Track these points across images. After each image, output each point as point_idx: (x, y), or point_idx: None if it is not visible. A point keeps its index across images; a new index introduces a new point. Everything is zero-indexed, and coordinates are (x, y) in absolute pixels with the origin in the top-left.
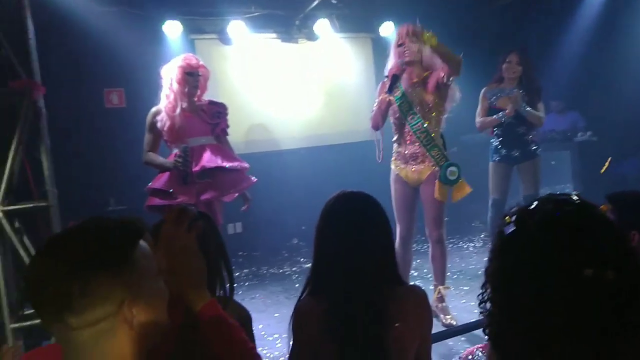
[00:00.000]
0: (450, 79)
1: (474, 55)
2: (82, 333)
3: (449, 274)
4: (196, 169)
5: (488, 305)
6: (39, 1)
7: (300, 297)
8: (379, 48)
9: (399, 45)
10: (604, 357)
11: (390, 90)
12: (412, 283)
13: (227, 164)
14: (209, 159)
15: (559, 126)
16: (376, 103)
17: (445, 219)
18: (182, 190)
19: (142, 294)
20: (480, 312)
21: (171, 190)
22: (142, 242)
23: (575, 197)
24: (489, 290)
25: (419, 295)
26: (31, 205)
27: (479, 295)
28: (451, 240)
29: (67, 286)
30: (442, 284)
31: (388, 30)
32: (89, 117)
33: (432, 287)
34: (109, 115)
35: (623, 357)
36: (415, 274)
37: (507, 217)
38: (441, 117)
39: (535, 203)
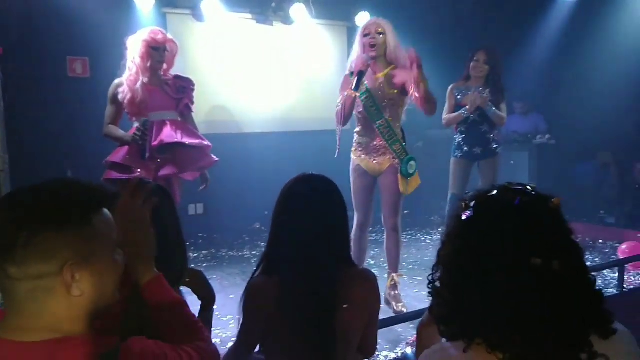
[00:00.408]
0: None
1: (445, 51)
2: (20, 285)
3: (404, 264)
4: (155, 143)
5: (437, 285)
6: None
7: (253, 275)
8: (354, 37)
9: (365, 35)
10: (547, 344)
11: (357, 87)
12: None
13: (186, 140)
14: (168, 134)
15: (521, 128)
16: (340, 98)
17: (406, 211)
18: (140, 165)
19: (91, 261)
20: (429, 293)
21: (129, 165)
22: (105, 211)
23: (530, 189)
24: (439, 272)
25: (369, 278)
26: None
27: (429, 275)
28: (409, 232)
29: (13, 234)
30: (396, 271)
31: (364, 20)
32: (50, 85)
33: (387, 275)
34: (71, 85)
35: (562, 345)
36: (372, 262)
37: (465, 203)
38: (402, 110)
39: (495, 191)
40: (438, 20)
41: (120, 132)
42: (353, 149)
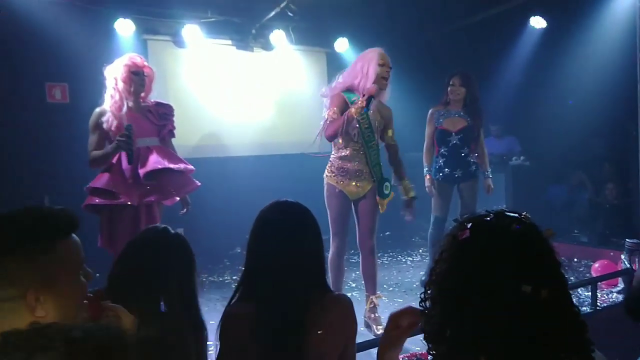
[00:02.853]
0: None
1: (421, 76)
2: None
3: (385, 286)
4: (142, 170)
5: (428, 304)
6: None
7: (230, 301)
8: (333, 63)
9: (381, 65)
10: None
11: (368, 107)
12: (349, 293)
13: (173, 166)
14: (155, 161)
15: (496, 150)
16: (331, 112)
17: (387, 233)
18: (124, 191)
19: (55, 285)
20: (421, 312)
21: (113, 191)
22: (73, 236)
23: (524, 217)
24: (431, 290)
25: (345, 303)
26: None
27: (420, 294)
28: (390, 254)
29: None
30: (374, 293)
31: (342, 46)
32: (29, 111)
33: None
34: (50, 111)
35: None
36: (354, 285)
37: (462, 223)
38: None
39: (492, 215)
40: (414, 47)
41: (103, 150)
42: (332, 174)
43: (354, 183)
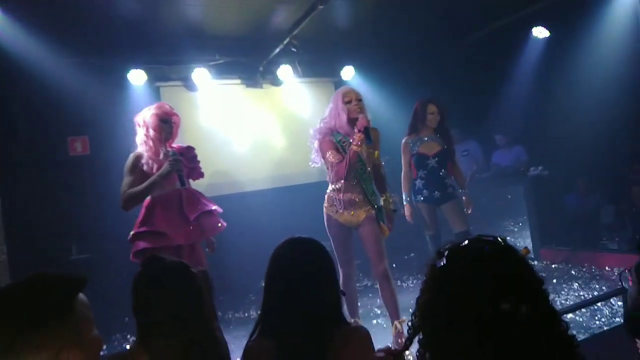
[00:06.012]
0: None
1: (429, 95)
2: None
3: (410, 310)
4: (193, 213)
5: (416, 331)
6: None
7: (250, 337)
8: None
9: (347, 102)
10: None
11: (369, 140)
12: (374, 320)
13: (213, 207)
14: (202, 203)
15: (503, 161)
16: (328, 157)
17: (412, 254)
18: (174, 232)
19: (80, 341)
20: (407, 338)
21: (164, 232)
22: (81, 294)
23: (500, 240)
24: (418, 319)
25: (363, 335)
26: None
27: (408, 321)
28: (416, 277)
29: (10, 338)
30: (398, 318)
31: (349, 74)
32: (53, 165)
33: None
34: (73, 163)
35: None
36: (379, 312)
37: (440, 252)
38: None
39: (466, 242)
40: (421, 67)
41: (146, 182)
42: (328, 204)
43: (347, 212)
